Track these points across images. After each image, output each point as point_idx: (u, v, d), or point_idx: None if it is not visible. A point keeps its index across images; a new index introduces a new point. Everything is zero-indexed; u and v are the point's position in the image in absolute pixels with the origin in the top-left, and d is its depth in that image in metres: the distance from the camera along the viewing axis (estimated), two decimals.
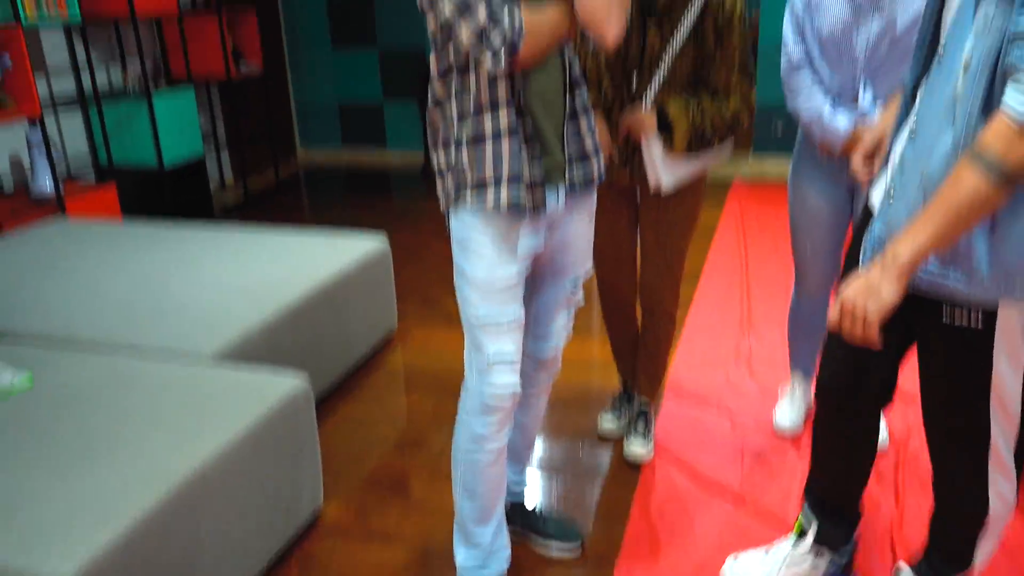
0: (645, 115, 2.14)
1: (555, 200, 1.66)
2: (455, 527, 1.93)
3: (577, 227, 1.77)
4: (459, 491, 1.86)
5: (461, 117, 1.57)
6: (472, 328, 1.69)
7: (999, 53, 1.19)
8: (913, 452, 2.45)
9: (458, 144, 1.59)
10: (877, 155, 1.63)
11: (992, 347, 1.41)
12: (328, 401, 2.93)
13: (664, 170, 2.18)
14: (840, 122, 2.10)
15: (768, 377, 2.96)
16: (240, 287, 2.74)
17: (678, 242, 2.34)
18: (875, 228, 1.44)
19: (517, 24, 1.44)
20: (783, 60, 2.20)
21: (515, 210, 1.58)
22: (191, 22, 5.20)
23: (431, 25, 1.55)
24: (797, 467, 2.42)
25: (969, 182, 1.20)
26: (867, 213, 1.60)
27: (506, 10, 1.44)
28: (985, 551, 1.65)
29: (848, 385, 1.68)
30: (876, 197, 1.56)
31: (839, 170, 2.22)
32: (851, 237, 1.69)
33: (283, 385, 2.09)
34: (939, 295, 1.40)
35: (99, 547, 1.49)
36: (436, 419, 2.80)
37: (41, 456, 1.77)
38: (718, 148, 2.23)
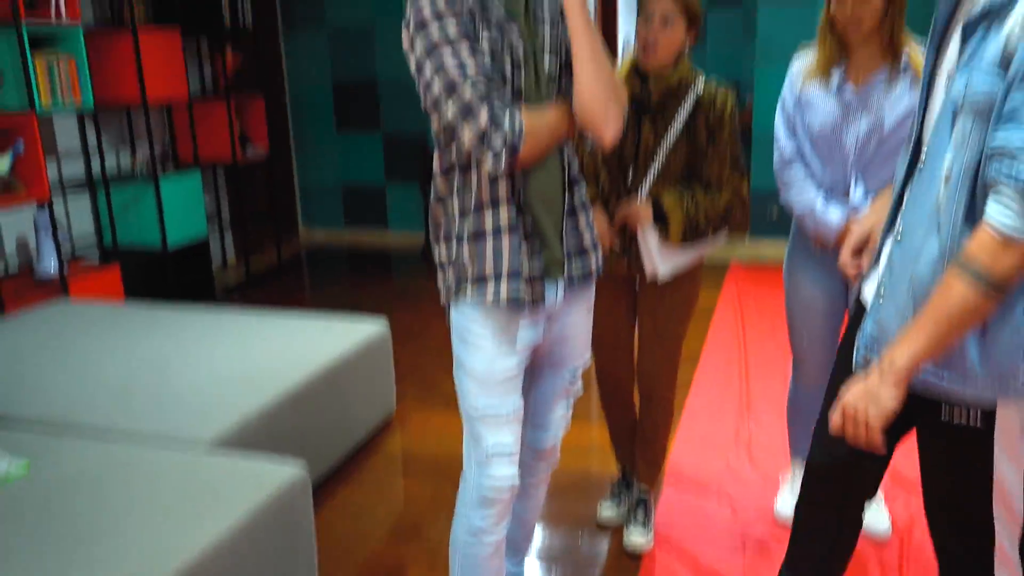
0: (641, 206, 2.19)
1: (554, 294, 1.69)
2: None
3: (576, 319, 1.79)
4: None
5: (463, 213, 1.62)
6: (471, 420, 1.70)
7: (978, 165, 1.24)
8: (917, 543, 2.42)
9: (459, 239, 1.63)
10: (866, 249, 1.67)
11: (992, 445, 1.42)
12: (326, 486, 2.90)
13: (660, 259, 2.23)
14: (832, 215, 2.15)
15: (769, 463, 2.94)
16: (240, 371, 2.75)
17: (675, 329, 2.37)
18: (867, 326, 1.47)
19: (518, 127, 1.50)
20: (775, 154, 2.27)
21: (514, 304, 1.61)
22: (200, 108, 5.35)
23: (435, 125, 1.61)
24: None
25: (959, 291, 1.23)
26: (860, 306, 1.63)
27: (507, 113, 1.50)
28: None
29: (839, 474, 1.68)
30: (868, 291, 1.59)
31: (833, 261, 2.25)
32: (846, 327, 1.71)
33: (280, 473, 2.08)
34: (936, 395, 1.41)
35: None
36: (434, 506, 2.77)
37: (35, 546, 1.75)
38: (712, 238, 2.28)
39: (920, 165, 1.37)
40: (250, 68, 5.94)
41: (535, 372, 1.84)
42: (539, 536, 2.57)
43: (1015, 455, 1.42)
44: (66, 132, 4.50)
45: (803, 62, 2.21)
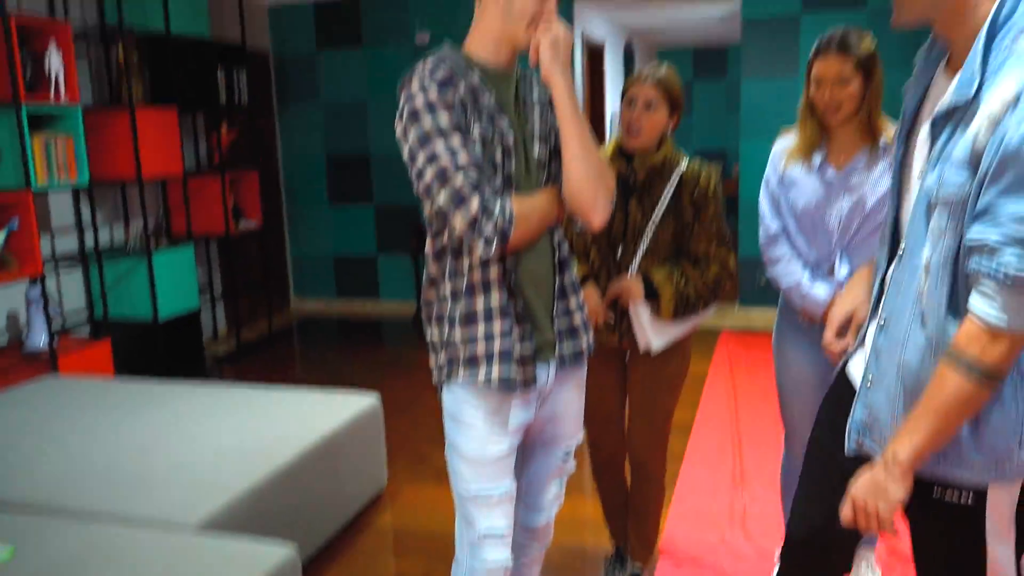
0: (632, 282, 2.23)
1: (546, 375, 1.71)
2: None
3: (568, 398, 1.80)
4: None
5: (454, 296, 1.64)
6: (463, 502, 1.69)
7: (955, 255, 1.27)
8: None
9: (451, 322, 1.65)
10: (851, 327, 1.69)
11: (984, 523, 1.42)
12: (315, 565, 2.84)
13: (653, 333, 2.25)
14: (819, 291, 2.19)
15: (764, 537, 2.91)
16: (229, 449, 2.72)
17: (665, 403, 2.38)
18: (856, 412, 1.48)
19: (508, 213, 1.54)
20: (761, 232, 2.32)
21: (506, 386, 1.62)
22: (195, 182, 5.41)
23: (427, 210, 1.64)
24: None
25: (953, 383, 1.25)
26: (843, 378, 1.64)
27: (498, 200, 1.54)
28: None
29: (817, 544, 1.67)
30: (853, 367, 1.60)
31: (821, 335, 2.28)
32: (825, 398, 1.71)
33: (269, 556, 2.05)
34: (930, 477, 1.43)
35: None
36: None
37: None
38: (703, 311, 2.31)
39: (900, 253, 1.41)
40: (245, 143, 6.05)
41: (527, 451, 1.84)
42: None
43: (1007, 533, 1.43)
44: (61, 207, 4.55)
45: (785, 143, 2.28)
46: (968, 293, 1.26)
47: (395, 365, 5.34)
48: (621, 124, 2.24)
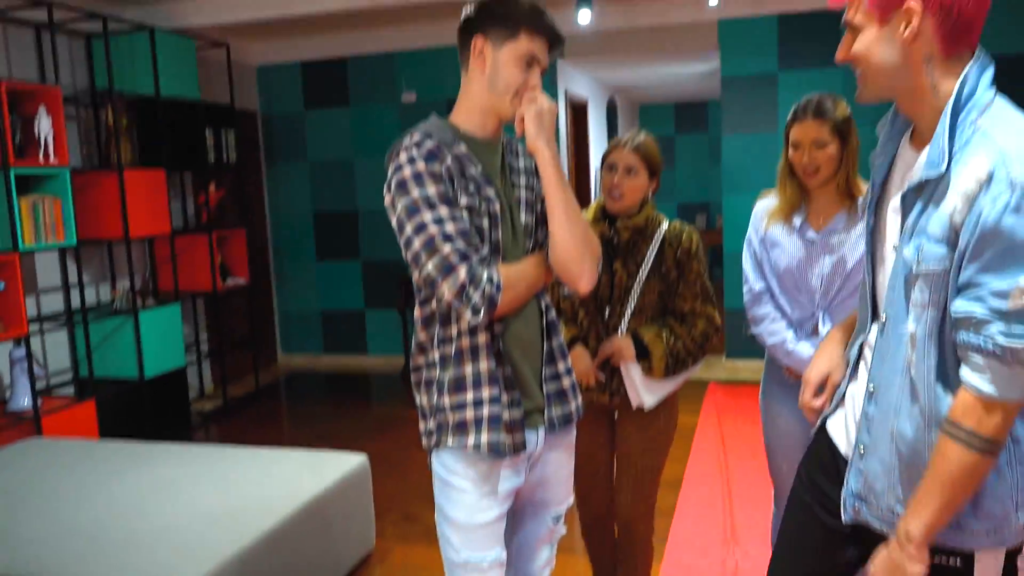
0: (622, 341, 2.25)
1: (535, 440, 1.71)
2: None
3: (557, 462, 1.81)
4: None
5: (443, 363, 1.65)
6: (453, 568, 1.68)
7: (940, 326, 1.30)
8: None
9: (440, 388, 1.66)
10: (827, 387, 1.69)
11: None
12: None
13: (645, 391, 2.27)
14: (803, 349, 2.22)
15: None
16: (216, 512, 2.69)
17: (653, 460, 2.38)
18: (850, 481, 1.49)
19: (496, 280, 1.56)
20: (745, 291, 2.36)
21: (495, 451, 1.62)
22: (182, 241, 5.43)
23: (415, 277, 1.66)
24: None
25: (954, 455, 1.27)
26: (821, 437, 1.64)
27: (485, 268, 1.56)
28: None
29: None
30: (833, 429, 1.61)
31: None
32: (804, 457, 1.71)
33: None
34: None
35: None
36: None
37: None
38: (693, 367, 2.33)
39: (881, 322, 1.43)
40: (233, 201, 6.09)
41: (517, 517, 1.84)
42: None
43: None
44: (47, 267, 4.54)
45: (766, 204, 2.34)
46: (956, 362, 1.29)
47: (384, 420, 5.30)
48: (603, 188, 2.29)
